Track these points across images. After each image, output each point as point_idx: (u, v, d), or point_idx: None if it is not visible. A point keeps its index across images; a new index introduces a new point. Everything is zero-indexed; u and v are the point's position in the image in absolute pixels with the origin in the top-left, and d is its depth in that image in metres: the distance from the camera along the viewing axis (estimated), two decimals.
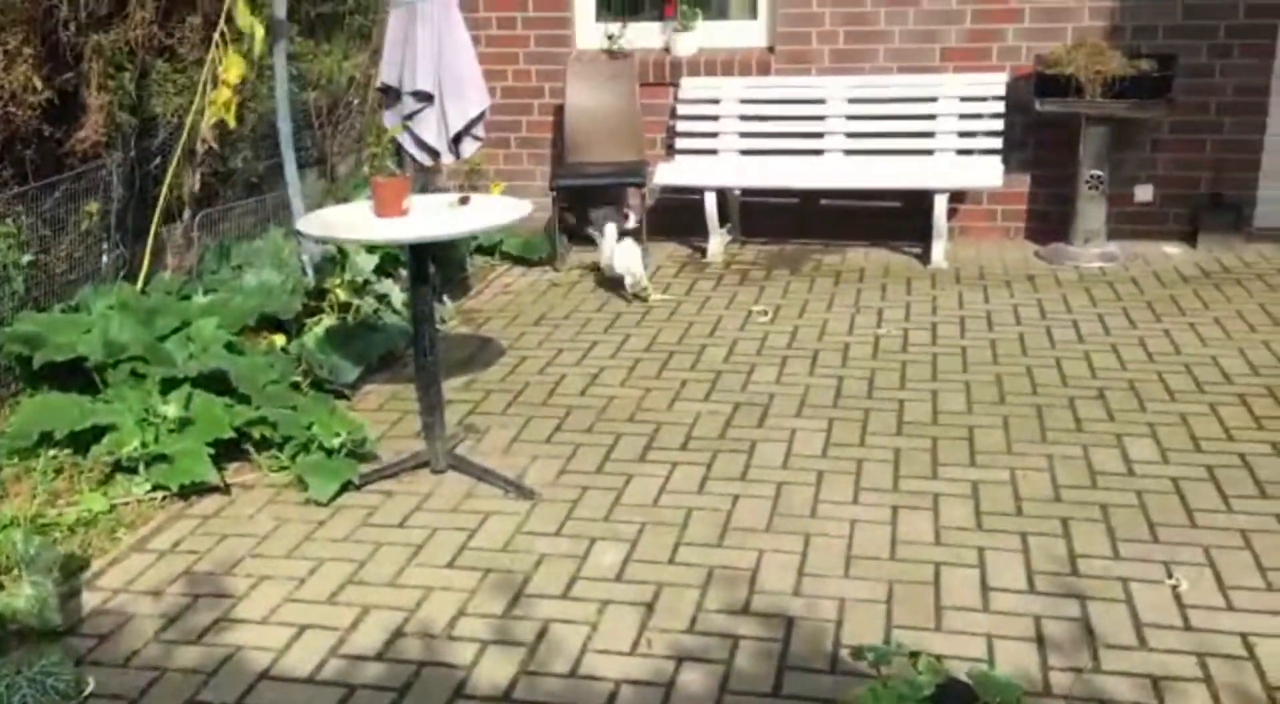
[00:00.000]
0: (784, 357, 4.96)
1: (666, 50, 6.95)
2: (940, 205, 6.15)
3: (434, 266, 5.91)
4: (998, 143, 6.40)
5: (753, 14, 6.94)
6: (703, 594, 3.16)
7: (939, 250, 6.27)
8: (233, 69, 4.13)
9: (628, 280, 5.73)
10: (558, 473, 3.93)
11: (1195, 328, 5.14)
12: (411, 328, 3.79)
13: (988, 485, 3.74)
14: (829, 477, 3.84)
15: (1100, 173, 6.21)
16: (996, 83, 6.43)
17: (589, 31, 7.06)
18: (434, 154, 4.36)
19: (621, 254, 5.78)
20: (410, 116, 4.29)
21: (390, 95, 4.32)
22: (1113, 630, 2.94)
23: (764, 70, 6.77)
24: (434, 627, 3.04)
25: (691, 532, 3.50)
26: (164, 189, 4.54)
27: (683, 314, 5.60)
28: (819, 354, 4.98)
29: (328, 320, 4.83)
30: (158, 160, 5.31)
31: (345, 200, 6.07)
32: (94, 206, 4.75)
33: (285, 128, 4.52)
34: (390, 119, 4.37)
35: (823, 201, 6.86)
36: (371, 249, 4.97)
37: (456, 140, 4.37)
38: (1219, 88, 6.36)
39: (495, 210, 3.74)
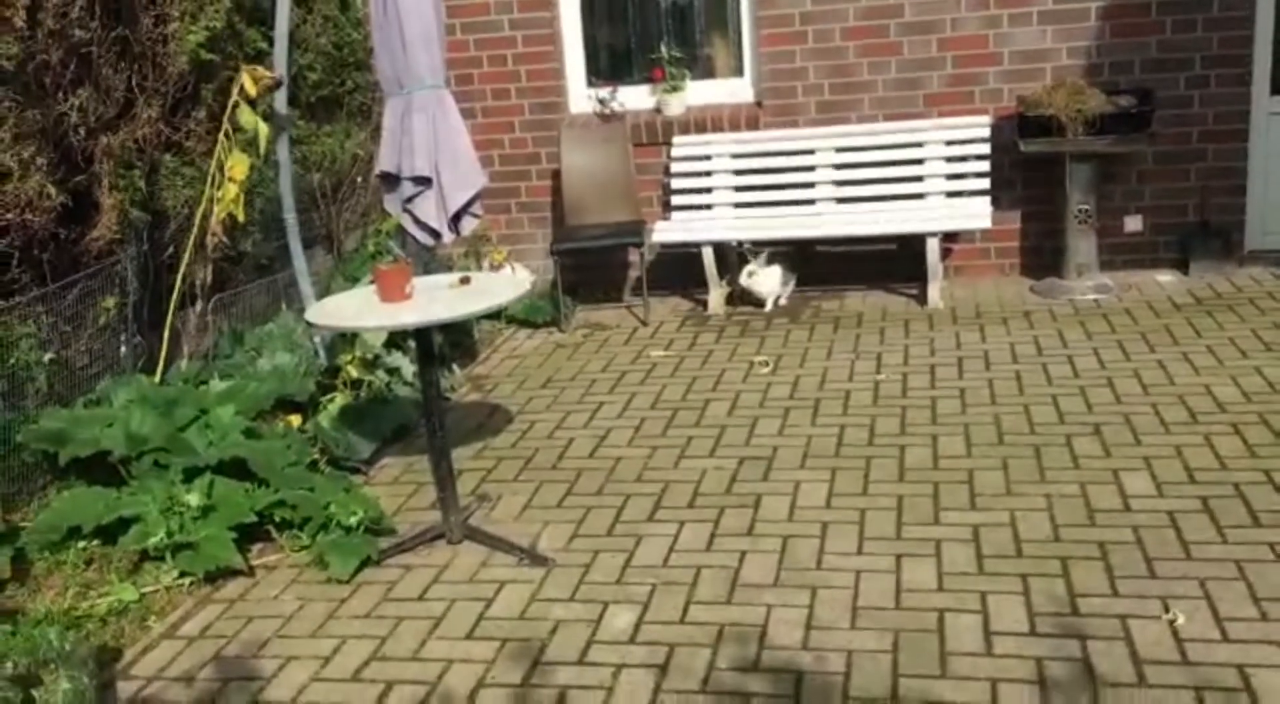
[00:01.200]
0: (786, 408, 5.08)
1: (657, 111, 7.13)
2: (932, 247, 6.29)
3: (441, 336, 6.08)
4: (985, 184, 6.54)
5: (739, 72, 7.11)
6: (714, 653, 3.26)
7: (934, 291, 6.40)
8: (238, 166, 4.30)
9: (769, 299, 6.53)
10: (569, 537, 4.05)
11: (1188, 357, 5.25)
12: (423, 404, 3.90)
13: (988, 528, 3.84)
14: (833, 527, 3.94)
15: (1087, 207, 6.34)
16: (980, 126, 6.58)
17: (580, 97, 7.25)
18: (435, 234, 4.51)
19: (766, 277, 6.46)
20: (410, 200, 4.45)
21: (389, 181, 4.48)
22: (1113, 669, 3.03)
23: (753, 125, 6.94)
24: (456, 698, 3.15)
25: (701, 590, 3.61)
26: (178, 280, 4.69)
27: (686, 369, 5.73)
28: (820, 403, 5.09)
29: (341, 398, 4.97)
30: (170, 250, 5.49)
31: (354, 278, 6.26)
32: (110, 302, 4.91)
33: (291, 219, 4.69)
34: (390, 203, 4.52)
35: (818, 249, 7.00)
36: None
37: (456, 219, 4.52)
38: (1199, 117, 6.50)
39: (495, 290, 3.88)
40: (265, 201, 6.09)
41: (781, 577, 3.65)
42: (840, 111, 6.86)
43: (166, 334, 4.68)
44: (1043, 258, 6.74)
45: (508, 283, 3.95)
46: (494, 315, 6.78)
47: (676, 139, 6.97)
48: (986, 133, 6.57)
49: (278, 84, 4.39)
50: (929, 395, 5.07)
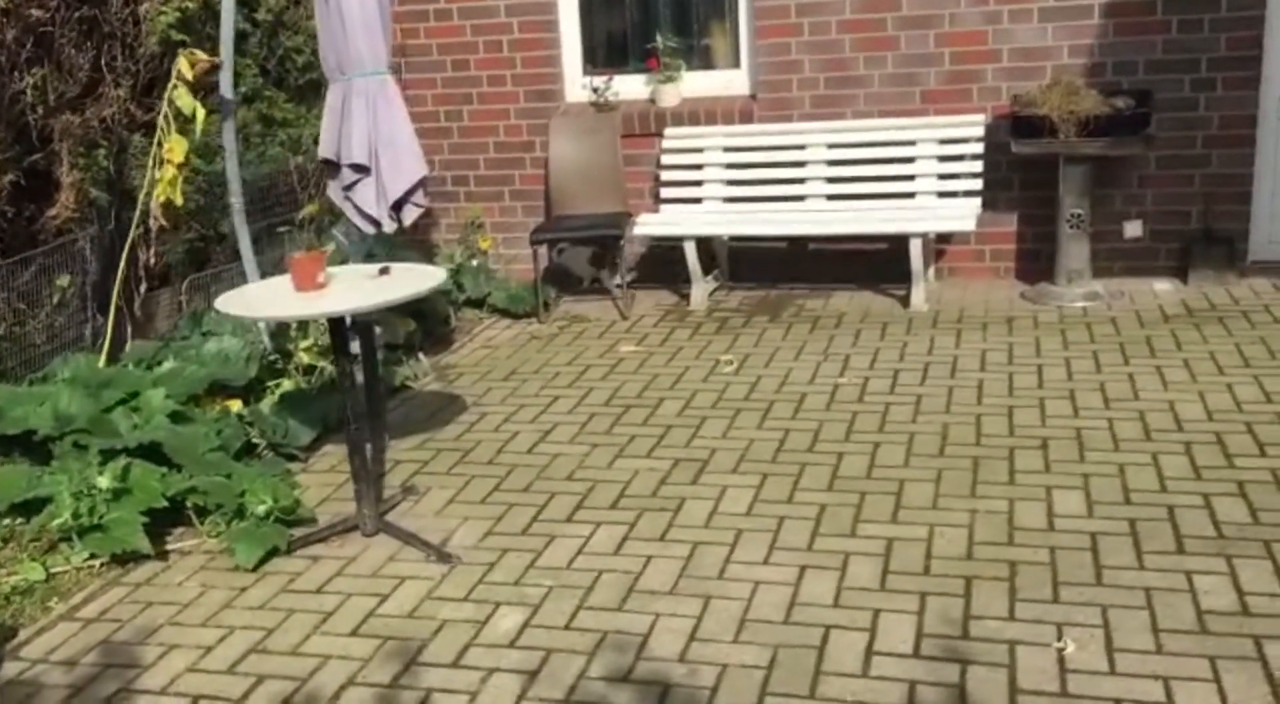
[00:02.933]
0: (738, 409, 4.99)
1: (652, 101, 7.04)
2: (915, 249, 6.14)
3: (414, 323, 6.08)
4: (977, 185, 6.38)
5: (736, 63, 7.00)
6: (589, 661, 3.20)
7: (918, 294, 6.25)
8: (176, 149, 4.30)
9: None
10: (484, 534, 4.01)
11: (1161, 371, 5.06)
12: (343, 395, 3.88)
13: (903, 543, 3.73)
14: (747, 535, 3.86)
15: (1080, 211, 6.15)
16: (975, 125, 6.41)
17: (576, 86, 7.19)
18: (376, 223, 4.48)
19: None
20: (350, 187, 4.42)
21: (331, 167, 4.45)
22: (986, 697, 2.92)
23: (747, 118, 6.83)
24: (321, 697, 3.12)
25: (596, 595, 3.54)
26: (121, 265, 4.71)
27: (651, 366, 5.65)
28: (773, 406, 5.00)
29: (289, 384, 4.97)
30: (141, 230, 5.54)
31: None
32: (65, 280, 4.96)
33: (237, 202, 4.69)
34: (332, 190, 4.50)
35: (811, 246, 6.89)
36: None
37: (398, 207, 4.49)
38: (1204, 121, 6.27)
39: (410, 281, 3.84)
40: (244, 184, 6.13)
41: (679, 585, 3.57)
42: (835, 106, 6.72)
43: (112, 314, 4.70)
44: (1039, 262, 6.55)
45: (425, 274, 3.90)
46: (477, 303, 6.76)
47: (668, 131, 6.88)
48: (981, 132, 6.40)
49: (216, 67, 4.38)
50: (884, 401, 4.95)
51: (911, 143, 6.49)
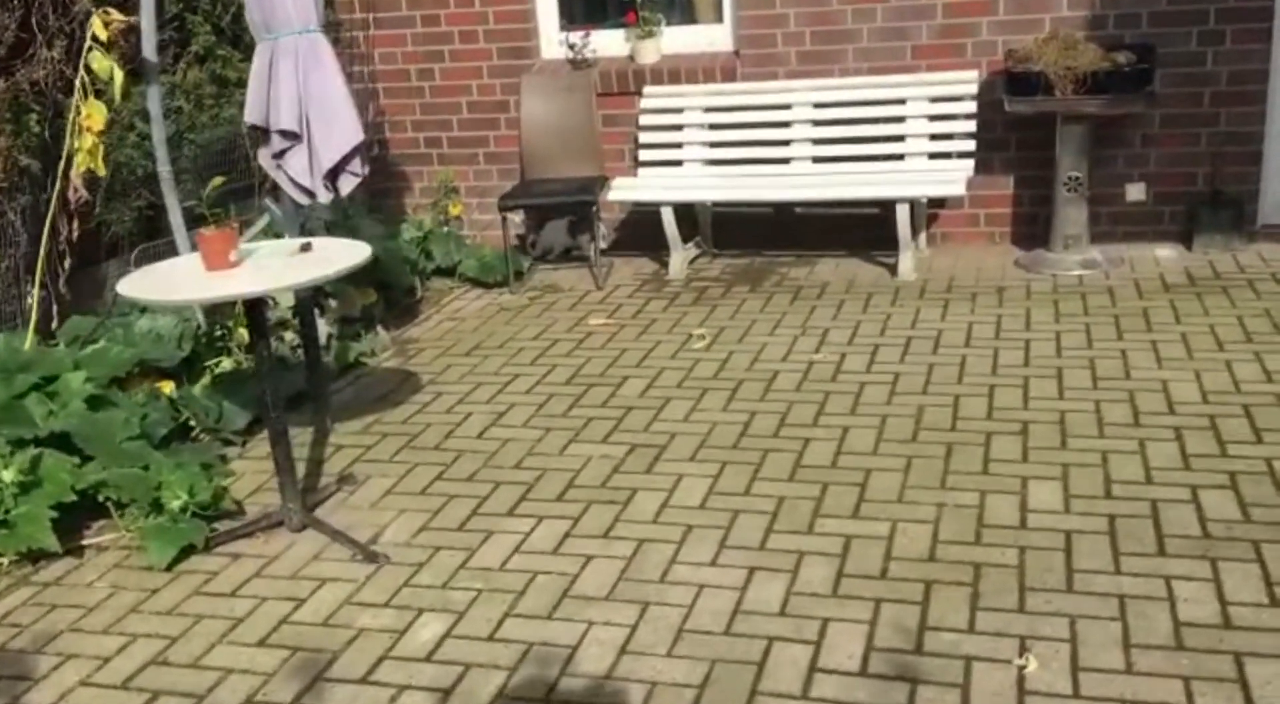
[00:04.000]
0: (704, 389, 4.71)
1: (631, 58, 6.71)
2: (902, 215, 5.81)
3: (376, 294, 5.80)
4: (970, 146, 6.03)
5: (719, 18, 6.65)
6: (510, 677, 2.95)
7: (905, 262, 5.93)
8: (95, 116, 4.02)
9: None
10: (418, 529, 3.75)
11: (1156, 347, 4.75)
12: (263, 383, 3.62)
13: (861, 542, 3.45)
14: (697, 532, 3.59)
15: (1078, 174, 5.80)
16: (967, 81, 6.05)
17: (552, 42, 6.85)
18: (310, 193, 4.20)
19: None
20: (280, 155, 4.14)
21: (261, 134, 4.17)
22: None
23: (730, 76, 6.49)
24: None
25: (527, 600, 3.29)
26: (44, 239, 4.45)
27: (620, 340, 5.37)
28: (742, 385, 4.71)
29: (228, 363, 4.72)
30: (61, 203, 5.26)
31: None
32: None
33: (165, 170, 4.41)
34: (263, 157, 4.22)
35: (798, 210, 6.57)
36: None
37: (334, 176, 4.20)
38: (1212, 77, 5.89)
39: (331, 259, 3.56)
40: (198, 152, 5.85)
41: (618, 589, 3.31)
42: (822, 63, 6.37)
43: (36, 290, 4.44)
44: (1036, 226, 6.21)
45: (348, 250, 3.62)
46: (448, 272, 6.48)
47: (647, 89, 6.54)
48: (974, 89, 6.05)
49: (132, 28, 4.09)
50: (859, 380, 4.66)
51: (901, 102, 6.14)
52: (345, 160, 4.17)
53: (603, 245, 6.83)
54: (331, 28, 6.83)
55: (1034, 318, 5.20)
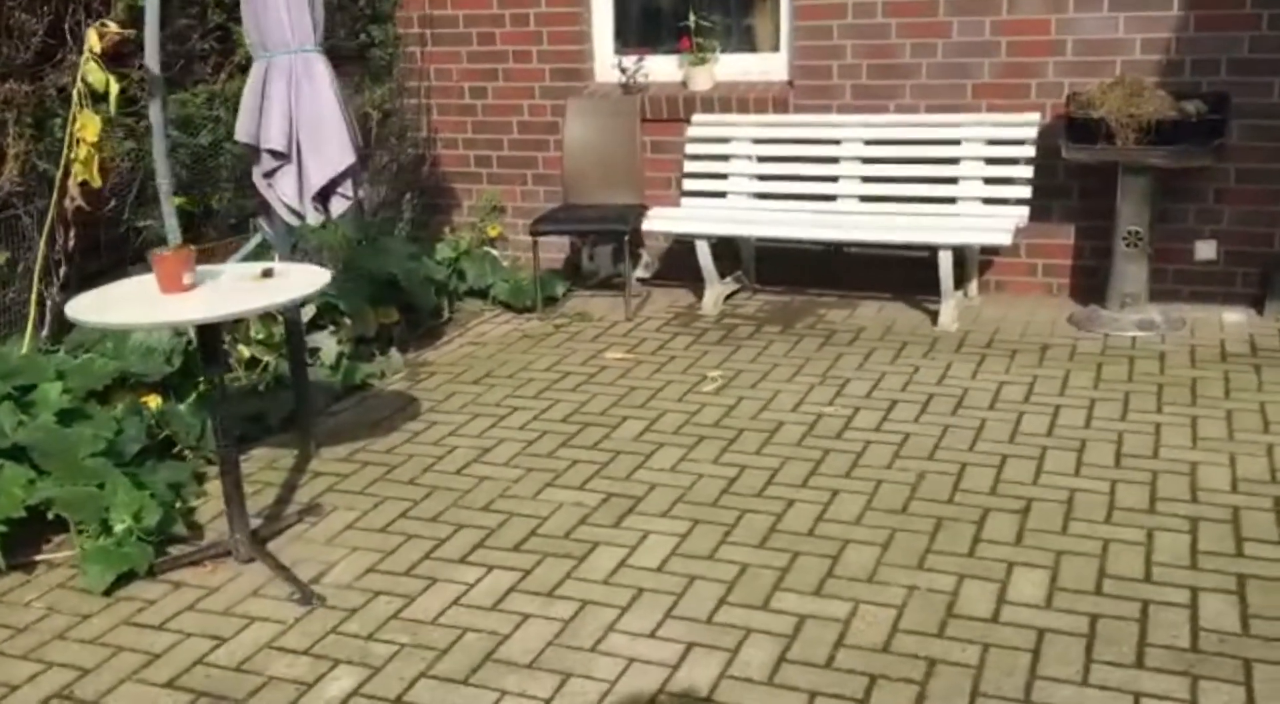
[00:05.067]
0: (701, 436, 4.49)
1: (684, 84, 6.52)
2: (945, 262, 5.51)
3: (398, 314, 5.72)
4: (1025, 192, 5.70)
5: (775, 46, 6.42)
6: None
7: (947, 312, 5.63)
8: (89, 127, 3.98)
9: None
10: (365, 570, 3.61)
11: (1195, 424, 4.38)
12: (209, 414, 3.52)
13: (816, 623, 3.20)
14: (645, 597, 3.38)
15: (1138, 228, 5.44)
16: (1027, 125, 5.72)
17: (606, 65, 6.70)
18: (299, 215, 4.11)
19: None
20: (270, 175, 4.05)
21: (254, 152, 4.09)
22: None
23: (782, 107, 6.26)
24: None
25: (447, 661, 3.12)
26: (41, 246, 4.44)
27: (631, 377, 5.18)
28: (741, 435, 4.48)
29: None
30: (111, 204, 5.28)
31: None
32: (2, 257, 4.72)
33: (164, 183, 4.35)
34: (256, 176, 4.14)
35: (847, 249, 6.30)
36: None
37: (325, 198, 4.10)
38: None
39: (292, 285, 3.45)
40: (235, 161, 5.83)
41: (544, 655, 3.12)
42: (878, 98, 6.10)
43: (34, 297, 4.43)
44: (1096, 279, 5.84)
45: (307, 277, 3.51)
46: (480, 294, 6.37)
47: (696, 117, 6.35)
48: (1034, 133, 5.71)
49: (126, 40, 4.05)
50: (865, 439, 4.39)
51: (956, 142, 5.84)
52: (335, 182, 4.06)
53: (645, 274, 6.67)
54: (391, 43, 6.83)
55: (1071, 382, 4.86)
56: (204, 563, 3.67)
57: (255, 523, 3.90)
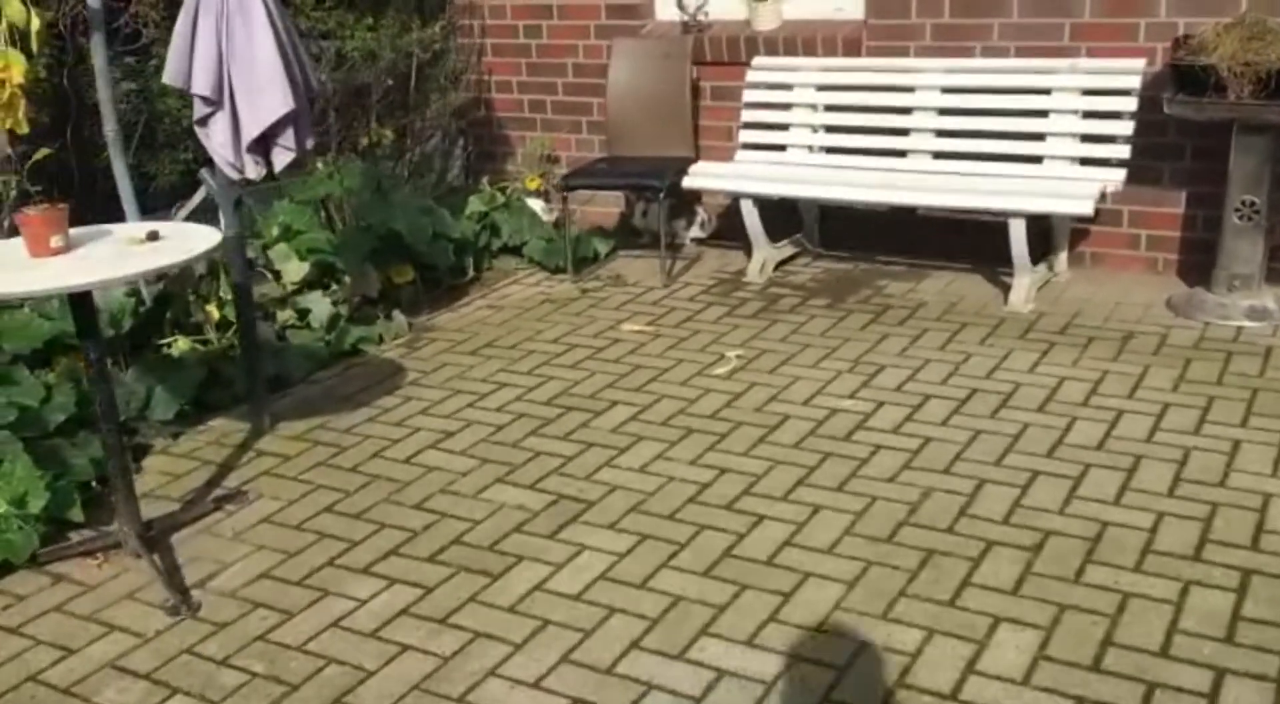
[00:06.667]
0: (689, 430, 3.93)
1: (748, 23, 5.86)
2: (1018, 232, 4.77)
3: (413, 273, 5.31)
4: (1125, 152, 4.88)
5: None
6: None
7: (1019, 290, 4.89)
8: (14, 67, 3.63)
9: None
10: (257, 576, 3.20)
11: None
12: (93, 390, 3.15)
13: (733, 683, 2.64)
14: (549, 632, 2.87)
15: (1254, 198, 4.58)
16: (1130, 73, 4.89)
17: (668, 1, 6.08)
18: (240, 168, 3.69)
19: None
20: (202, 121, 3.64)
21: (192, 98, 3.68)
22: None
23: (854, 49, 5.55)
24: None
25: (296, 698, 2.68)
26: None
27: (643, 353, 4.64)
28: (736, 430, 3.90)
29: (184, 343, 4.31)
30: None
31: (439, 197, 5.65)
32: None
33: (110, 128, 3.99)
34: (197, 127, 3.73)
35: (920, 212, 5.57)
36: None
37: (267, 150, 3.67)
38: None
39: (169, 249, 3.04)
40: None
41: (409, 698, 2.65)
42: (961, 39, 5.33)
43: None
44: (1210, 256, 4.98)
45: (194, 239, 3.09)
46: (515, 250, 5.90)
47: (756, 60, 5.69)
48: (1137, 83, 4.88)
49: None
50: (877, 442, 3.76)
51: (1046, 92, 5.04)
52: (275, 131, 3.62)
53: (701, 234, 6.09)
54: None
55: (1147, 381, 4.11)
56: (95, 554, 3.32)
57: (174, 508, 3.55)
